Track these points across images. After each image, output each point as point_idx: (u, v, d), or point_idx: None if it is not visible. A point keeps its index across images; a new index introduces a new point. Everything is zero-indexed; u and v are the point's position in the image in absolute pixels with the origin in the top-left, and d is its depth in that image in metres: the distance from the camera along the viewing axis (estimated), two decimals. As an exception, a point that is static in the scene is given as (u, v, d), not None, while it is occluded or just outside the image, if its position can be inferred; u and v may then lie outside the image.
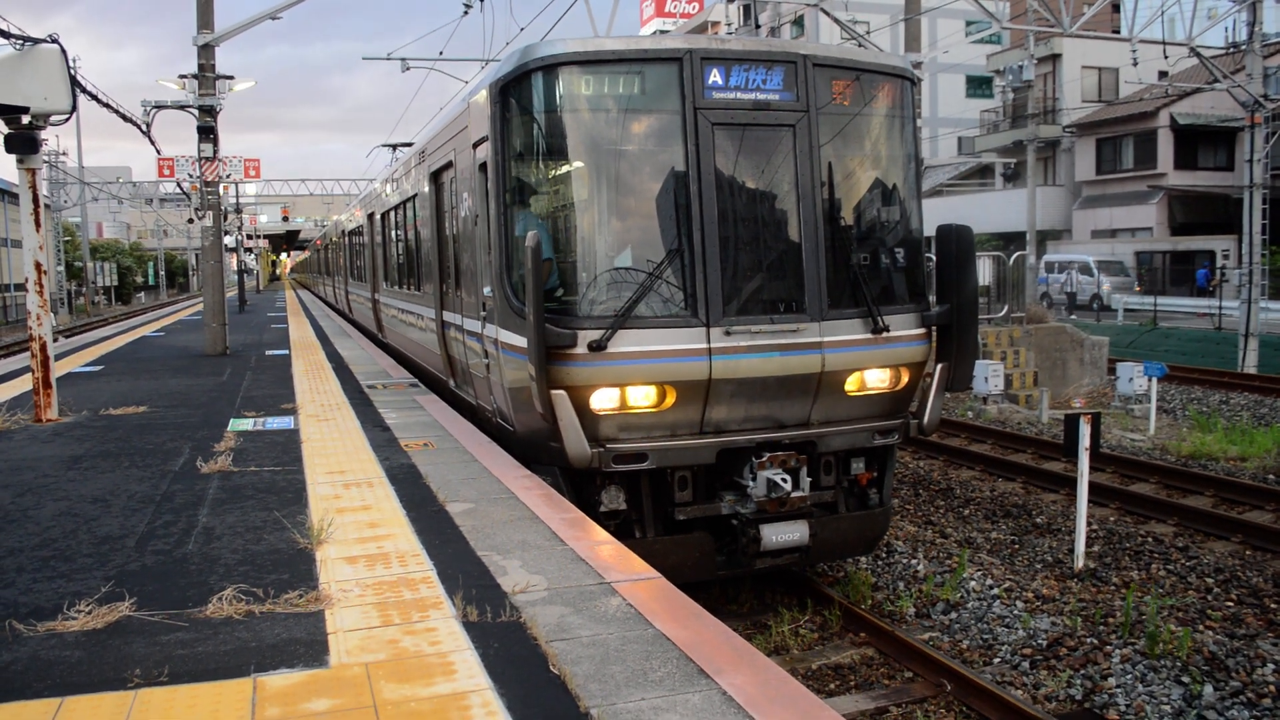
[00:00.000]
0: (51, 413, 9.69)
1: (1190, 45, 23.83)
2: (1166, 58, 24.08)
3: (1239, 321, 24.94)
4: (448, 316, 10.33)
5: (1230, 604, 8.67)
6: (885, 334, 7.62)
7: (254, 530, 5.65)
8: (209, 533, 5.62)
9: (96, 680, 3.68)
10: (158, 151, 18.73)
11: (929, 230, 8.23)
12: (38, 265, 9.47)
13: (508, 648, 3.91)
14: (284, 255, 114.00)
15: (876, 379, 7.80)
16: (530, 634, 4.04)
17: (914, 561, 9.75)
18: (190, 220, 17.46)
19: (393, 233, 15.57)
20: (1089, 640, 7.72)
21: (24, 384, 11.90)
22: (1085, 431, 9.56)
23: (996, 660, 7.62)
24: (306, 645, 3.97)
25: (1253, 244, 24.31)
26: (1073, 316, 34.30)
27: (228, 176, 17.47)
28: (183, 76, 16.42)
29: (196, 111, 16.10)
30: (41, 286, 9.54)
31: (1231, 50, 26.06)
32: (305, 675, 3.70)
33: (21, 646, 4.00)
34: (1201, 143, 41.94)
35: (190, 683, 3.65)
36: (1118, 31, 41.34)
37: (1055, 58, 45.35)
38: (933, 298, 8.30)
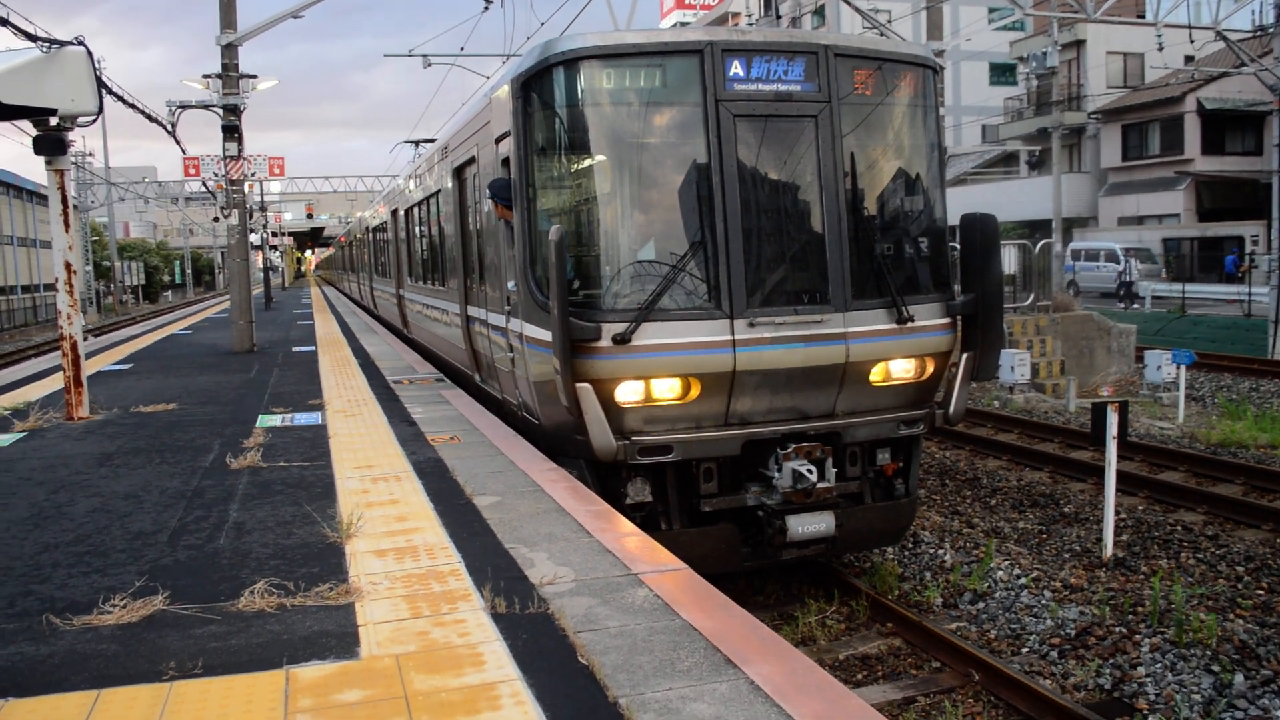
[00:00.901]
0: (83, 410, 9.80)
1: (1216, 29, 23.56)
2: (1192, 41, 23.82)
3: (1268, 308, 24.66)
4: (472, 311, 10.38)
5: (1261, 592, 8.61)
6: (910, 324, 7.59)
7: (284, 525, 5.71)
8: (240, 527, 5.68)
9: (132, 673, 3.73)
10: (183, 151, 18.92)
11: (953, 219, 8.20)
12: (67, 265, 9.58)
13: (536, 639, 3.94)
14: (309, 252, 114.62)
15: (902, 369, 7.78)
16: (558, 625, 4.06)
17: (941, 551, 9.72)
18: (216, 219, 17.66)
19: (416, 229, 15.64)
20: (1118, 629, 7.68)
21: (55, 382, 12.05)
22: (1113, 420, 9.50)
23: (1025, 650, 7.60)
24: (337, 637, 4.01)
25: (1282, 229, 24.05)
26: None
27: (252, 175, 17.57)
28: (206, 76, 16.56)
29: (220, 111, 16.21)
30: (71, 286, 9.65)
31: (1259, 33, 25.75)
32: (337, 667, 3.74)
33: (59, 640, 4.06)
34: (1229, 127, 41.47)
35: (224, 675, 3.70)
36: (1142, 16, 40.89)
37: (1079, 44, 44.92)
38: (958, 287, 8.26)
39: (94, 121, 9.38)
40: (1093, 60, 45.06)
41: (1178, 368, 17.33)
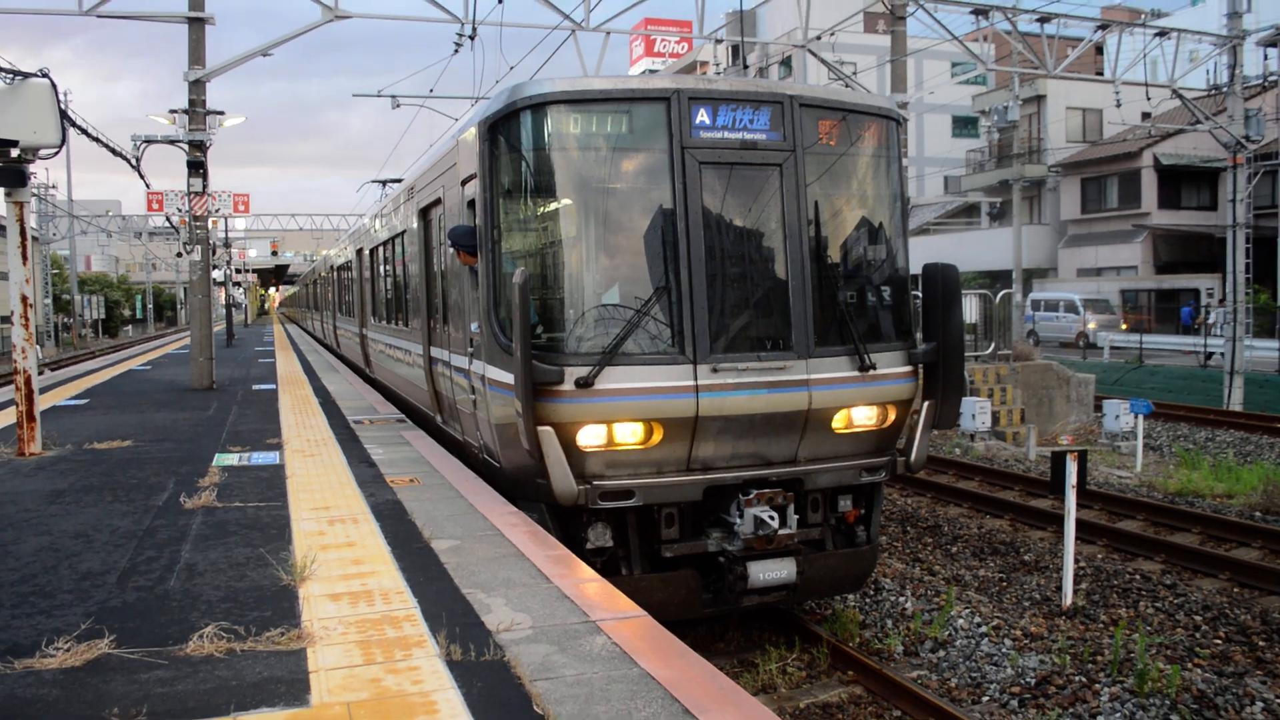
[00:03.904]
0: (35, 446, 9.62)
1: (1172, 87, 24.15)
2: (1149, 99, 24.44)
3: (1224, 359, 25.07)
4: (435, 352, 10.32)
5: (1218, 641, 8.66)
6: (872, 371, 7.63)
7: (237, 566, 5.60)
8: (191, 569, 5.57)
9: (73, 719, 3.63)
10: (147, 185, 18.74)
11: (915, 269, 8.27)
12: (23, 298, 9.44)
13: (491, 687, 3.88)
14: (273, 289, 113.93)
15: (864, 416, 7.80)
16: (514, 673, 4.00)
17: (902, 599, 9.71)
18: (179, 254, 17.47)
19: (381, 268, 15.58)
20: (1077, 678, 7.68)
21: (8, 417, 11.82)
22: (1072, 469, 9.57)
23: (985, 699, 7.58)
24: (288, 684, 3.93)
25: (1236, 282, 24.52)
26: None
27: (216, 211, 17.45)
28: (173, 111, 16.46)
29: (186, 146, 16.13)
30: (27, 320, 9.51)
31: (1213, 92, 26.38)
32: (286, 714, 3.65)
33: (-2, 685, 3.95)
34: (1185, 182, 42.36)
35: (169, 722, 3.60)
36: (1101, 73, 41.88)
37: (1040, 98, 45.85)
38: (919, 335, 8.33)
39: (56, 154, 9.31)
40: (1053, 115, 45.98)
41: (1135, 417, 17.55)
